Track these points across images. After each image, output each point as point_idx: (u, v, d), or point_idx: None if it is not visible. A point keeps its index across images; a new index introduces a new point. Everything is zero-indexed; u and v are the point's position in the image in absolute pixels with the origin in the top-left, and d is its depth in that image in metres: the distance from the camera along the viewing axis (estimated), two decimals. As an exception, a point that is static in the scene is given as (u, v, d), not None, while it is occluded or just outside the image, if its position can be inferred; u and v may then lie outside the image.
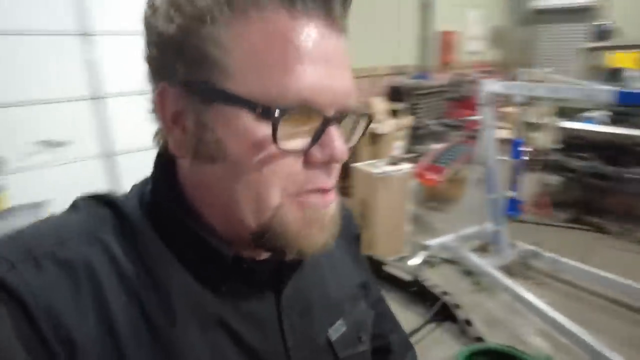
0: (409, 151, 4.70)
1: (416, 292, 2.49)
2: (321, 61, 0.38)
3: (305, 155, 0.40)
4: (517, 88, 2.41)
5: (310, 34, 0.38)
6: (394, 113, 5.30)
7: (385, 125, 3.30)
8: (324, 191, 0.41)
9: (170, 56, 0.39)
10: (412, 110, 5.09)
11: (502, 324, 2.32)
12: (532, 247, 2.77)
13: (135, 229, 0.42)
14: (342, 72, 0.40)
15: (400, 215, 2.91)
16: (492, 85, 2.49)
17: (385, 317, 0.69)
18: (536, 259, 2.76)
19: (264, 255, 0.47)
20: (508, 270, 2.68)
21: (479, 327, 2.22)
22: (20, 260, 0.36)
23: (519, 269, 2.74)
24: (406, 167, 2.91)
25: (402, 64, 5.74)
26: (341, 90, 0.40)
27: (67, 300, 0.36)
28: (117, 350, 0.37)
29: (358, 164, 2.95)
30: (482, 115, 2.61)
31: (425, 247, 2.86)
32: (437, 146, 4.11)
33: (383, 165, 2.87)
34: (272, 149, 0.38)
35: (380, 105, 5.23)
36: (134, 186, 0.47)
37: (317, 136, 0.39)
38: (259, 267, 0.46)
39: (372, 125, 2.68)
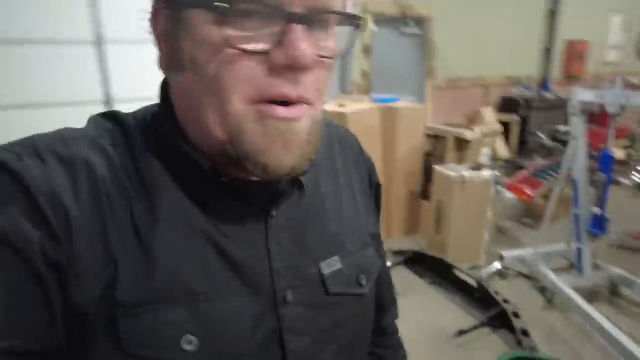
0: (513, 162, 4.49)
1: (479, 297, 2.49)
2: None
3: (268, 59, 0.37)
4: (610, 96, 2.26)
5: None
6: (504, 124, 5.09)
7: (472, 131, 3.28)
8: (288, 102, 0.39)
9: None
10: (524, 123, 4.83)
11: (565, 344, 2.20)
12: (624, 273, 2.53)
13: (134, 142, 0.44)
14: None
15: (478, 223, 2.90)
16: (583, 94, 2.37)
17: (386, 275, 0.69)
18: (628, 287, 2.51)
19: (252, 176, 0.44)
20: (590, 292, 2.50)
21: (539, 342, 2.15)
22: (26, 154, 0.39)
23: (604, 293, 2.53)
24: (488, 174, 2.89)
25: (520, 74, 5.47)
26: None
27: (65, 187, 0.39)
28: (103, 239, 0.39)
29: (439, 167, 3.02)
30: (572, 126, 2.49)
31: (500, 258, 2.80)
32: (541, 160, 3.89)
33: (464, 170, 2.89)
34: (230, 51, 0.36)
35: (489, 115, 5.08)
36: (144, 107, 0.49)
37: (280, 36, 0.36)
38: (238, 182, 0.44)
39: (459, 131, 2.74)
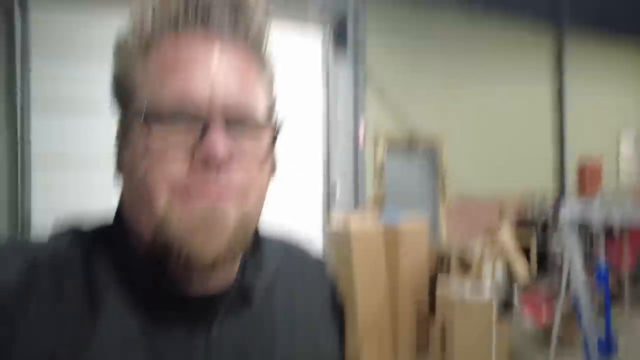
0: (532, 282, 4.32)
1: None
2: (199, 68, 0.42)
3: (190, 158, 0.41)
4: (594, 211, 2.31)
5: (188, 48, 0.42)
6: (521, 241, 5.01)
7: (475, 249, 3.30)
8: (209, 192, 0.41)
9: (114, 94, 0.47)
10: (543, 240, 4.76)
11: None
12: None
13: (88, 252, 0.46)
14: (226, 79, 0.42)
15: (483, 342, 2.77)
16: (571, 208, 2.44)
17: None
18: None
19: (197, 288, 0.46)
20: None
21: None
22: None
23: None
24: (490, 293, 2.84)
25: (536, 190, 5.54)
26: (222, 95, 0.42)
27: (19, 294, 0.41)
28: (45, 346, 0.40)
29: (441, 285, 3.00)
30: (565, 241, 2.50)
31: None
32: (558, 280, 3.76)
33: (466, 289, 2.86)
34: (154, 153, 0.41)
35: (506, 233, 5.06)
36: (106, 218, 0.51)
37: (199, 137, 0.41)
38: (181, 293, 0.45)
39: (460, 250, 2.82)
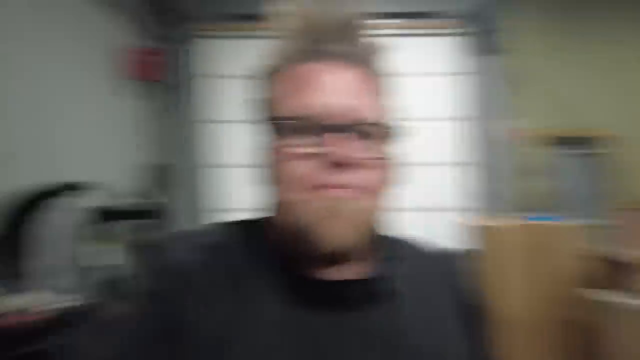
0: None
1: None
2: (319, 87, 0.50)
3: (317, 158, 0.48)
4: None
5: (310, 72, 0.51)
6: None
7: (629, 251, 2.92)
8: (332, 187, 0.48)
9: (253, 112, 0.56)
10: None
11: None
12: None
13: (247, 243, 0.54)
14: (341, 95, 0.49)
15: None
16: None
17: None
18: None
19: (334, 274, 0.51)
20: None
21: None
22: (174, 239, 0.54)
23: None
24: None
25: None
26: (338, 107, 0.49)
27: (195, 270, 0.51)
28: (207, 319, 0.48)
29: (590, 291, 2.77)
30: None
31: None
32: None
33: (624, 295, 2.60)
34: (287, 155, 0.49)
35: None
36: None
37: (323, 144, 0.47)
38: (316, 278, 0.51)
39: (623, 254, 2.64)
